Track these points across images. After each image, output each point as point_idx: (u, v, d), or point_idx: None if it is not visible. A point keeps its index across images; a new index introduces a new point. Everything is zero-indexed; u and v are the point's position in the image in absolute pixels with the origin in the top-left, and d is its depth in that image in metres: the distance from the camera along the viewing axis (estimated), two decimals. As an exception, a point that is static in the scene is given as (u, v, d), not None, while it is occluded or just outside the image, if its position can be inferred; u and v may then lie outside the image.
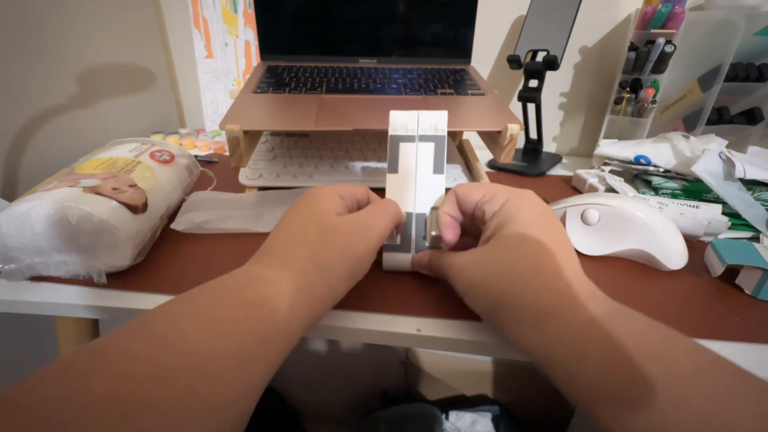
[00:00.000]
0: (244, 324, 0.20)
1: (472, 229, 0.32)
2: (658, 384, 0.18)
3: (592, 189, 0.50)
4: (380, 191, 0.33)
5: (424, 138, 0.33)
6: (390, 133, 0.33)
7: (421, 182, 0.32)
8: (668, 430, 0.17)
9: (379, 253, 0.33)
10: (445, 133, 0.33)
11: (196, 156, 0.57)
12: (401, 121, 0.33)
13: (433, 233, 0.32)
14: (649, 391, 0.18)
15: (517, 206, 0.26)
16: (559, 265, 0.24)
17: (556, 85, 0.69)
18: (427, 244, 0.32)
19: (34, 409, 0.14)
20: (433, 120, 0.33)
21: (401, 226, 0.32)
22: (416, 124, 0.33)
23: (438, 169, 0.32)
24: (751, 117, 0.57)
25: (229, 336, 0.19)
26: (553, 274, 0.23)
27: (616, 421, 0.19)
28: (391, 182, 0.33)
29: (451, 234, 0.30)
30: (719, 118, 0.58)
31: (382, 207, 0.30)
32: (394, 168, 0.33)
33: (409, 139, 0.33)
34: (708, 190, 0.44)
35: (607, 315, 0.22)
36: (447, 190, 0.32)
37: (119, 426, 0.14)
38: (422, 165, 0.32)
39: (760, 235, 0.41)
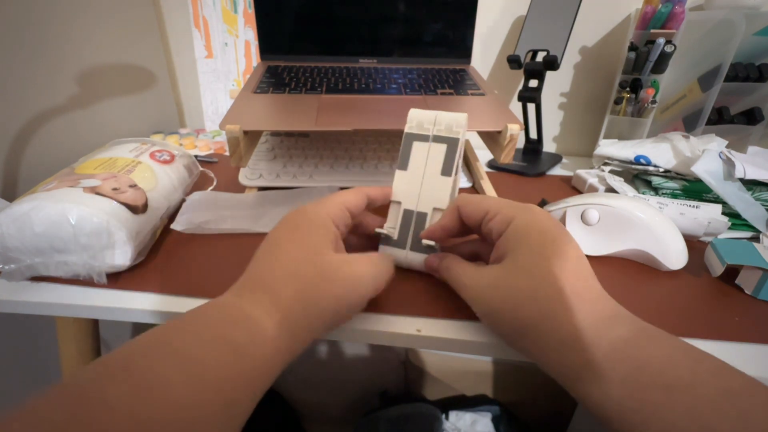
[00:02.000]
0: (229, 369, 0.19)
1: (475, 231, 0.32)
2: (684, 411, 0.18)
3: (592, 189, 0.50)
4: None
5: (438, 138, 0.33)
6: (406, 130, 0.33)
7: (427, 182, 0.33)
8: None
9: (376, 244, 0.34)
10: (460, 136, 0.32)
11: (196, 156, 0.57)
12: (419, 119, 0.33)
13: (424, 242, 0.32)
14: (675, 420, 0.18)
15: (527, 225, 0.25)
16: (580, 287, 0.23)
17: (556, 85, 0.69)
18: (424, 242, 0.32)
19: None
20: (450, 121, 0.33)
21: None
22: (433, 124, 0.33)
23: (446, 171, 0.32)
24: (751, 117, 0.57)
25: (213, 383, 0.19)
26: (575, 298, 0.22)
27: None
28: (399, 179, 0.33)
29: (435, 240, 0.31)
30: (719, 118, 0.58)
31: (384, 263, 0.28)
32: (404, 165, 0.33)
33: (424, 138, 0.33)
34: (708, 190, 0.44)
35: (630, 337, 0.21)
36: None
37: None
38: (431, 165, 0.33)
39: (760, 235, 0.41)
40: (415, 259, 0.33)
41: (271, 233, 0.26)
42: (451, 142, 0.32)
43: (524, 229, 0.25)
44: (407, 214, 0.33)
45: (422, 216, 0.32)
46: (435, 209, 0.32)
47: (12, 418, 0.15)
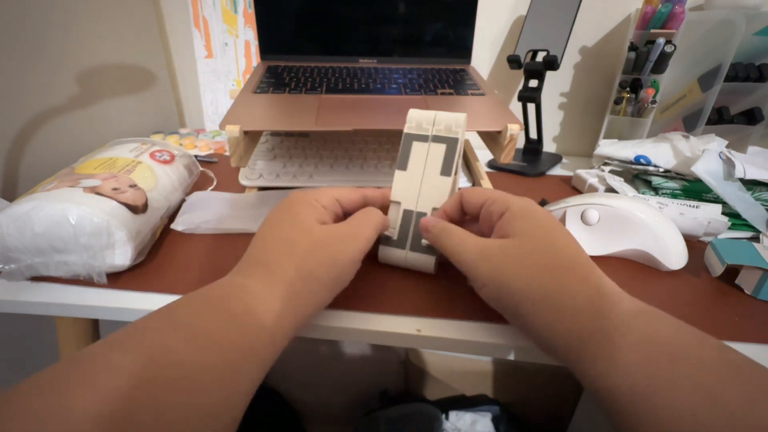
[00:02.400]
0: (229, 335, 0.20)
1: (474, 231, 0.32)
2: (691, 380, 0.18)
3: (592, 189, 0.50)
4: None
5: (437, 138, 0.33)
6: (405, 130, 0.33)
7: (426, 182, 0.32)
8: (699, 426, 0.17)
9: (375, 246, 0.33)
10: (459, 136, 0.32)
11: (196, 156, 0.57)
12: (418, 119, 0.33)
13: (424, 242, 0.32)
14: (681, 388, 0.18)
15: (525, 209, 0.27)
16: (588, 264, 0.24)
17: (556, 85, 0.69)
18: (423, 243, 0.32)
19: (15, 423, 0.14)
20: (450, 121, 0.33)
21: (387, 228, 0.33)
22: (432, 124, 0.33)
23: (445, 171, 0.32)
24: (751, 117, 0.57)
25: (214, 346, 0.20)
26: (587, 270, 0.24)
27: (647, 417, 0.18)
28: (398, 179, 0.33)
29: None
30: (719, 118, 0.58)
31: (366, 217, 0.30)
32: (403, 165, 0.33)
33: (423, 138, 0.33)
34: (708, 190, 0.44)
35: (638, 312, 0.22)
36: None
37: None
38: (431, 165, 0.33)
39: (760, 235, 0.41)
40: (414, 259, 0.33)
41: (265, 220, 0.28)
42: (451, 142, 0.32)
43: (523, 212, 0.27)
44: (407, 214, 0.33)
45: (422, 216, 0.32)
46: (434, 209, 0.32)
47: (27, 381, 0.16)
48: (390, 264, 0.34)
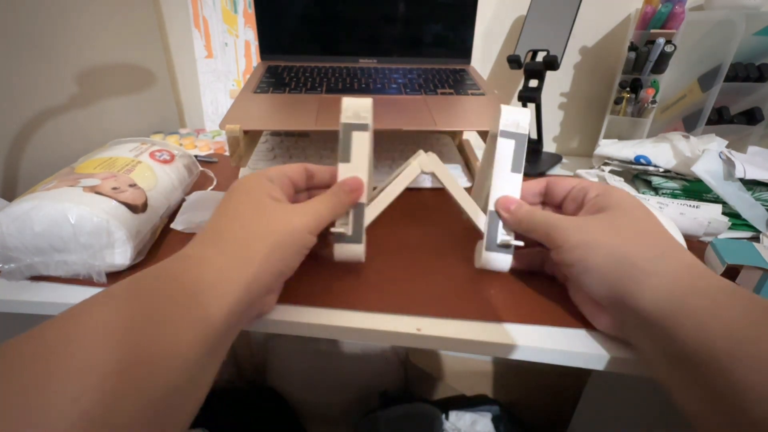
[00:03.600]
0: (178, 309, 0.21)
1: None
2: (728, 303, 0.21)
3: (592, 189, 0.50)
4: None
5: (505, 134, 0.32)
6: (342, 120, 0.31)
7: (498, 179, 0.31)
8: (726, 326, 0.19)
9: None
10: (527, 132, 0.32)
11: (196, 156, 0.57)
12: (354, 108, 0.31)
13: (504, 238, 0.31)
14: (725, 310, 0.20)
15: (621, 193, 0.29)
16: (678, 241, 0.27)
17: (556, 85, 0.69)
18: (497, 243, 0.31)
19: None
20: (515, 117, 0.32)
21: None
22: (369, 112, 0.31)
23: (516, 168, 0.31)
24: (751, 117, 0.57)
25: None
26: (680, 245, 0.26)
27: (754, 377, 0.19)
28: (343, 172, 0.31)
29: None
30: (719, 118, 0.58)
31: (321, 196, 0.30)
32: (346, 157, 0.31)
33: (362, 127, 0.31)
34: (708, 190, 0.44)
35: (729, 286, 0.24)
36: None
37: None
38: (501, 162, 0.32)
39: (760, 235, 0.41)
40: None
41: (219, 202, 0.29)
42: (520, 138, 0.31)
43: (620, 195, 0.29)
44: (359, 207, 0.31)
45: (494, 215, 0.31)
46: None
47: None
48: (348, 261, 0.32)
